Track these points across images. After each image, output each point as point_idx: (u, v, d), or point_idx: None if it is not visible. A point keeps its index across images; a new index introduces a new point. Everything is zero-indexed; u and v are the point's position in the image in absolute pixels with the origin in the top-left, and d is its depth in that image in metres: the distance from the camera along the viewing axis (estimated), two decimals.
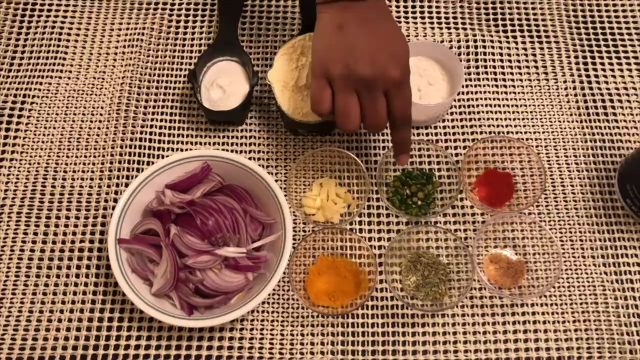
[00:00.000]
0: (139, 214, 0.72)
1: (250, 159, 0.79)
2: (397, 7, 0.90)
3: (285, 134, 0.81)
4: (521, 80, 0.86)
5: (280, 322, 0.71)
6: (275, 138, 0.81)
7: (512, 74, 0.86)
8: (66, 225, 0.76)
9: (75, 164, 0.79)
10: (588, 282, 0.73)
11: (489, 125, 0.82)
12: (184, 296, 0.68)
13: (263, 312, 0.72)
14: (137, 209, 0.72)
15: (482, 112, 0.83)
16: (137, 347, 0.70)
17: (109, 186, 0.78)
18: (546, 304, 0.72)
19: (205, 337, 0.71)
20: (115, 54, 0.86)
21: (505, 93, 0.84)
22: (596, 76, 0.86)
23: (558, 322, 0.71)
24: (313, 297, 0.71)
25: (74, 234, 0.75)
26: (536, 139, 0.82)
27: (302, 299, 0.70)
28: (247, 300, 0.66)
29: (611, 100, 0.84)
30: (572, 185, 0.78)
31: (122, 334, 0.71)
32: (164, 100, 0.83)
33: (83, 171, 0.79)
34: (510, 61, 0.87)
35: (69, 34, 0.87)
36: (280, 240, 0.69)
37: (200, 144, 0.81)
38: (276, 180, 0.77)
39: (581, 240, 0.76)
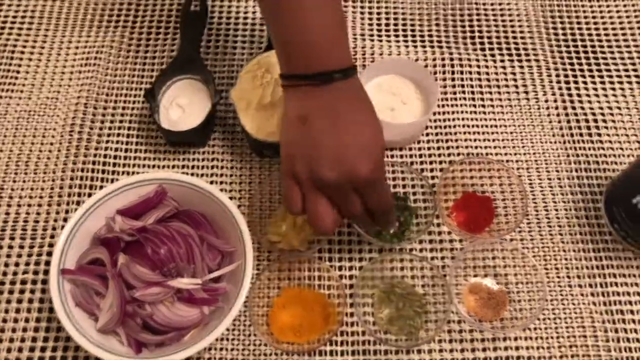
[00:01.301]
0: (87, 242, 0.66)
1: (212, 182, 0.73)
2: (370, 23, 0.85)
3: (251, 156, 0.75)
4: (500, 100, 0.81)
5: (240, 358, 0.64)
6: (240, 160, 0.75)
7: (490, 93, 0.81)
8: (8, 256, 0.69)
9: (22, 189, 0.73)
10: (575, 313, 0.67)
11: (466, 147, 0.77)
12: (132, 332, 0.61)
13: (221, 349, 0.65)
14: (85, 237, 0.65)
15: (460, 132, 0.77)
16: None
17: (57, 212, 0.71)
18: (530, 338, 0.66)
19: None
20: (72, 72, 0.81)
21: (484, 113, 0.80)
22: (579, 95, 0.81)
23: (544, 357, 0.65)
24: (277, 333, 0.64)
25: (17, 264, 0.68)
26: (517, 161, 0.76)
27: (265, 335, 0.63)
28: (203, 336, 0.59)
29: (595, 120, 0.79)
30: (556, 210, 0.73)
31: None
32: (120, 122, 0.77)
33: (30, 197, 0.72)
34: (488, 80, 0.82)
35: (22, 52, 0.82)
36: (240, 270, 0.62)
37: (159, 167, 0.75)
38: (239, 206, 0.71)
39: (567, 268, 0.70)
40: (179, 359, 0.59)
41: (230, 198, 0.71)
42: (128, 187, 0.66)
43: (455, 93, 0.80)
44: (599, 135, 0.78)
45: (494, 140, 0.78)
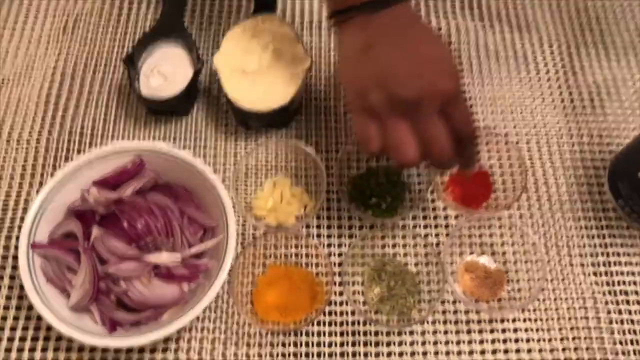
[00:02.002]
0: (60, 215, 0.61)
1: (194, 155, 0.69)
2: None
3: (236, 127, 0.71)
4: (499, 71, 0.77)
5: (222, 341, 0.61)
6: (224, 132, 0.71)
7: (489, 64, 0.77)
8: None
9: None
10: (577, 293, 0.64)
11: None
12: (106, 310, 0.57)
13: (202, 329, 0.61)
14: (59, 210, 0.61)
15: None
16: None
17: (31, 185, 0.67)
18: (529, 319, 0.62)
19: (134, 358, 0.60)
20: (48, 41, 0.76)
21: (482, 85, 0.75)
22: (581, 67, 0.77)
23: (543, 339, 0.61)
24: (261, 312, 0.61)
25: None
26: (516, 134, 0.72)
27: (248, 314, 0.59)
28: (181, 315, 0.55)
29: (598, 93, 0.75)
30: (558, 185, 0.69)
31: (34, 356, 0.59)
32: (99, 91, 0.73)
33: (3, 168, 0.68)
34: (487, 50, 0.78)
35: None
36: (222, 246, 0.58)
37: (139, 137, 0.71)
38: (224, 180, 0.67)
39: (568, 246, 0.66)
40: (156, 338, 0.55)
41: (214, 171, 0.67)
42: (104, 157, 0.62)
43: None
44: (603, 107, 0.74)
45: (492, 112, 0.74)
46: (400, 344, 0.61)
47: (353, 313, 0.62)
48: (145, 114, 0.72)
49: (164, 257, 0.58)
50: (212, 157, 0.69)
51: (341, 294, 0.63)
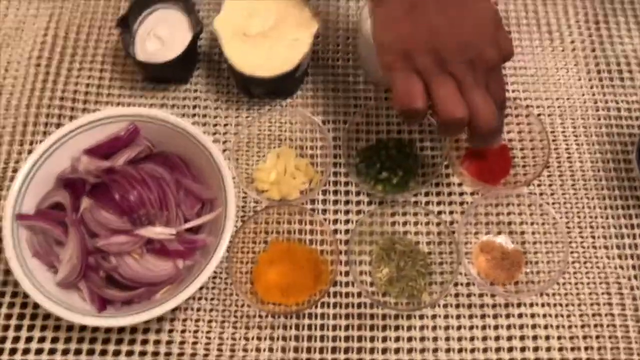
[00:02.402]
0: (49, 185, 0.58)
1: (193, 124, 0.65)
2: None
3: (238, 95, 0.67)
4: (520, 40, 0.72)
5: (219, 322, 0.57)
6: (226, 100, 0.67)
7: (510, 32, 0.72)
8: None
9: None
10: (600, 277, 0.60)
11: None
12: (95, 287, 0.54)
13: (198, 310, 0.58)
14: (48, 179, 0.58)
15: None
16: (39, 351, 0.56)
17: (19, 153, 0.64)
18: (548, 304, 0.58)
19: (126, 339, 0.57)
20: (39, 0, 0.72)
21: None
22: (609, 36, 0.72)
23: (563, 326, 0.57)
24: (262, 293, 0.57)
25: None
26: (538, 107, 0.68)
27: (247, 294, 0.56)
28: (175, 294, 0.52)
29: (627, 64, 0.71)
30: (581, 161, 0.65)
31: (21, 335, 0.56)
32: (93, 55, 0.69)
33: None
34: (508, 19, 0.73)
35: None
36: (221, 220, 0.55)
37: (134, 105, 0.67)
38: (224, 150, 0.63)
39: (592, 227, 0.62)
40: (148, 318, 0.52)
41: (215, 142, 0.63)
42: (95, 124, 0.59)
43: None
44: (631, 79, 0.70)
45: (512, 84, 0.70)
46: (409, 328, 0.57)
47: (359, 295, 0.59)
48: (142, 81, 0.68)
49: (157, 231, 0.55)
50: (212, 126, 0.66)
51: (347, 274, 0.59)
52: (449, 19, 0.50)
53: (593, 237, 0.62)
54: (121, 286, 0.55)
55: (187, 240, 0.56)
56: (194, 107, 0.67)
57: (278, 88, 0.65)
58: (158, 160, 0.58)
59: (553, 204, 0.63)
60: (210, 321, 0.57)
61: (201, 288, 0.58)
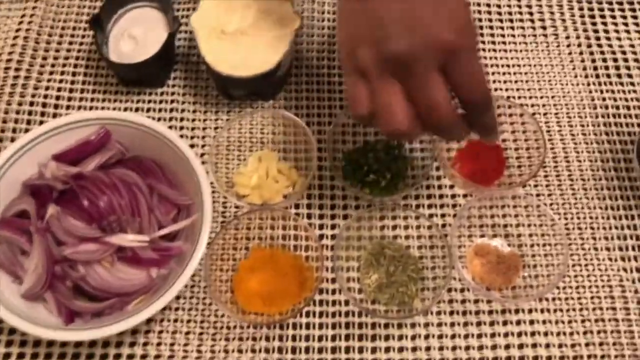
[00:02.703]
0: (15, 192, 0.55)
1: (170, 127, 0.63)
2: None
3: (217, 98, 0.65)
4: (514, 36, 0.70)
5: (197, 334, 0.54)
6: (205, 103, 0.64)
7: (502, 28, 0.70)
8: None
9: None
10: (602, 280, 0.57)
11: None
12: (63, 299, 0.51)
13: (175, 321, 0.55)
14: (13, 187, 0.55)
15: None
16: None
17: None
18: (548, 310, 0.55)
19: (98, 354, 0.54)
20: (11, 1, 0.69)
21: (494, 51, 0.69)
22: (606, 31, 0.70)
23: (563, 333, 0.54)
24: (243, 302, 0.54)
25: None
26: (533, 105, 0.65)
27: (227, 304, 0.53)
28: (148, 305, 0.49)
29: (625, 59, 0.68)
30: (580, 160, 0.62)
31: None
32: (66, 58, 0.67)
33: None
34: (500, 13, 0.71)
35: None
36: (197, 226, 0.52)
37: (108, 109, 0.64)
38: (203, 154, 0.61)
39: (592, 228, 0.59)
40: (120, 330, 0.48)
41: (192, 146, 0.61)
42: (64, 129, 0.56)
43: None
44: (629, 76, 0.68)
45: (505, 82, 0.67)
46: (400, 337, 0.54)
47: (347, 303, 0.55)
48: (117, 84, 0.65)
49: (129, 239, 0.52)
50: (190, 130, 0.63)
51: (334, 281, 0.56)
52: (400, 7, 0.44)
53: (594, 238, 0.59)
54: (91, 297, 0.52)
55: (162, 248, 0.53)
56: (171, 110, 0.64)
57: (259, 89, 0.63)
58: (130, 165, 0.56)
59: (551, 204, 0.60)
60: (187, 333, 0.54)
61: (178, 298, 0.55)
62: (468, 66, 0.44)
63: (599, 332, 0.55)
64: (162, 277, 0.53)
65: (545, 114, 0.65)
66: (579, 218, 0.60)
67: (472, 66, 0.45)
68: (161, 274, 0.53)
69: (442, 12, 0.44)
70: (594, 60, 0.68)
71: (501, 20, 0.71)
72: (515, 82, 0.67)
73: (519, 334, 0.55)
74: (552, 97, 0.66)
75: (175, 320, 0.55)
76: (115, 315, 0.51)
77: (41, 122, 0.63)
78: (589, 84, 0.67)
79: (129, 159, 0.57)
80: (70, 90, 0.65)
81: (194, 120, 0.64)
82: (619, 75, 0.68)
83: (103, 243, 0.51)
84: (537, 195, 0.61)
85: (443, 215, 0.59)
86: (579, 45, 0.69)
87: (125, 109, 0.64)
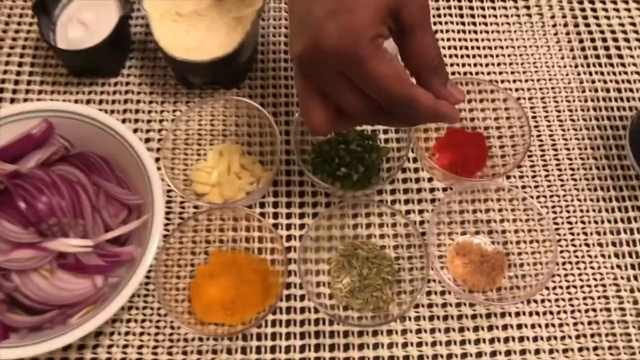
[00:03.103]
0: None
1: (124, 120, 0.57)
2: None
3: (176, 87, 0.60)
4: (496, 16, 0.65)
5: (151, 348, 0.49)
6: (162, 93, 0.59)
7: (483, 8, 0.66)
8: None
9: None
10: (595, 279, 0.52)
11: (453, 73, 0.61)
12: None
13: (127, 334, 0.50)
14: None
15: (445, 55, 0.61)
16: None
17: None
18: (537, 312, 0.51)
19: None
20: None
21: (475, 32, 0.64)
22: (594, 9, 0.66)
23: (555, 337, 0.50)
24: (201, 311, 0.49)
25: None
26: (517, 90, 0.61)
27: (183, 314, 0.48)
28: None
29: (615, 39, 0.64)
30: (568, 149, 0.58)
31: None
32: (12, 47, 0.62)
33: None
34: None
35: None
36: (148, 228, 0.47)
37: (58, 101, 0.59)
38: (159, 149, 0.55)
39: (583, 223, 0.55)
40: (60, 345, 0.44)
41: (148, 140, 0.56)
42: (3, 122, 0.50)
43: (438, 9, 0.65)
44: (620, 56, 0.63)
45: (487, 65, 0.62)
46: (375, 346, 0.49)
47: (317, 310, 0.50)
48: (67, 75, 0.60)
49: (71, 244, 0.46)
50: (146, 122, 0.58)
51: (302, 286, 0.51)
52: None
53: (585, 233, 0.54)
54: (28, 310, 0.47)
55: (109, 254, 0.48)
56: (126, 101, 0.59)
57: (220, 76, 0.58)
58: (75, 162, 0.51)
59: (537, 197, 0.56)
60: (140, 347, 0.50)
61: (130, 308, 0.50)
62: (364, 66, 0.38)
63: (592, 335, 0.51)
64: (112, 286, 0.48)
65: (530, 98, 0.60)
66: (568, 211, 0.55)
67: (371, 66, 0.38)
68: (110, 282, 0.48)
69: (334, 6, 0.38)
70: (581, 41, 0.64)
71: (483, 0, 0.66)
72: (498, 64, 0.63)
73: (506, 340, 0.50)
74: (538, 80, 0.62)
75: (127, 333, 0.50)
76: (58, 329, 0.46)
77: None
78: (576, 66, 0.62)
79: (74, 155, 0.52)
80: (16, 82, 0.60)
81: (150, 112, 0.59)
82: (609, 56, 0.63)
83: (41, 249, 0.46)
84: (523, 187, 0.56)
85: (421, 212, 0.55)
86: (565, 25, 0.65)
87: (76, 101, 0.59)
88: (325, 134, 0.44)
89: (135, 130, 0.58)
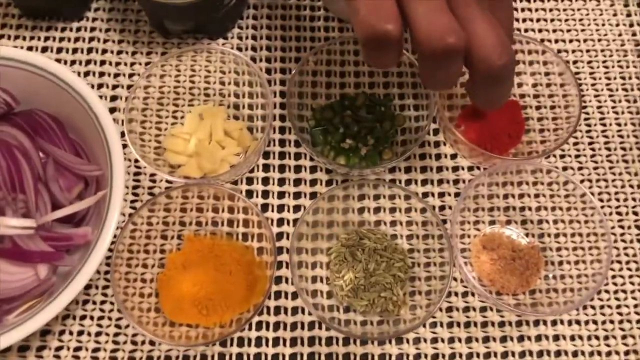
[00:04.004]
0: None
1: (88, 74, 0.48)
2: None
3: (151, 35, 0.51)
4: None
5: (109, 352, 0.41)
6: (134, 42, 0.50)
7: None
8: None
9: None
10: None
11: None
12: None
13: (80, 334, 0.42)
14: None
15: None
16: None
17: None
18: (577, 321, 0.43)
19: None
20: None
21: None
22: None
23: (599, 353, 0.43)
24: (171, 309, 0.41)
25: None
26: (560, 51, 0.52)
27: (150, 312, 0.39)
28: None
29: None
30: (619, 124, 0.51)
31: None
32: None
33: None
34: None
35: None
36: (104, 206, 0.38)
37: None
38: (132, 109, 0.46)
39: (635, 214, 0.48)
40: None
41: (116, 97, 0.47)
42: None
43: None
44: None
45: (524, 20, 0.53)
46: (381, 358, 0.41)
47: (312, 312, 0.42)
48: (20, 17, 0.51)
49: (8, 224, 0.38)
50: (113, 77, 0.49)
51: (294, 281, 0.42)
52: None
53: (638, 227, 0.46)
54: None
55: (58, 237, 0.40)
56: (90, 50, 0.50)
57: (203, 21, 0.49)
58: (17, 122, 0.42)
59: (582, 182, 0.47)
60: (96, 350, 0.41)
61: (86, 302, 0.42)
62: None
63: None
64: (63, 276, 0.40)
65: (575, 62, 0.52)
66: (617, 200, 0.47)
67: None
68: (62, 272, 0.40)
69: None
70: None
71: None
72: (538, 20, 0.54)
73: (540, 355, 0.42)
74: (585, 40, 0.53)
75: (81, 333, 0.42)
76: None
77: None
78: (632, 25, 0.54)
79: (17, 113, 0.43)
80: None
81: (118, 64, 0.50)
82: None
83: None
84: (564, 168, 0.48)
85: (442, 195, 0.46)
86: None
87: (30, 49, 0.50)
88: (452, 50, 0.32)
89: (99, 87, 0.49)
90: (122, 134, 0.42)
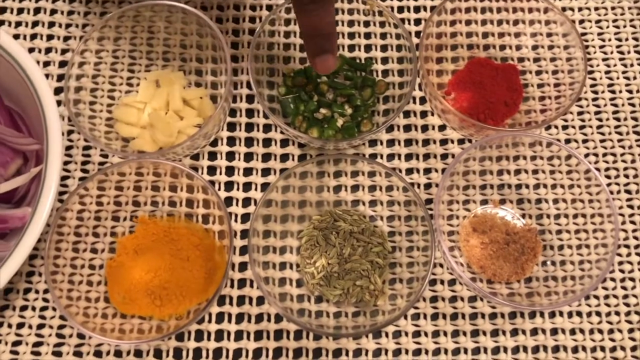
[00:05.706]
0: None
1: (17, 37, 0.45)
2: None
3: None
4: None
5: (52, 346, 0.40)
6: (86, 1, 0.47)
7: None
8: None
9: None
10: None
11: None
12: None
13: (20, 326, 0.40)
14: None
15: None
16: None
17: None
18: (579, 313, 0.41)
19: None
20: None
21: None
22: None
23: (602, 348, 0.40)
24: (119, 300, 0.39)
25: None
26: (563, 9, 0.48)
27: (98, 302, 0.37)
28: None
29: None
30: (630, 91, 0.48)
31: None
32: None
33: None
34: None
35: None
36: (40, 183, 0.35)
37: None
38: (81, 77, 0.43)
39: None
40: None
41: (49, 63, 0.44)
42: None
43: None
44: None
45: None
46: (357, 354, 0.39)
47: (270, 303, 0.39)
48: None
49: None
50: (62, 40, 0.45)
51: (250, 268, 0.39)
52: None
53: None
54: None
55: None
56: (37, 11, 0.47)
57: None
58: None
59: (586, 156, 0.44)
60: (38, 344, 0.39)
61: (27, 292, 0.39)
62: None
63: None
64: None
65: (581, 21, 0.48)
66: (627, 176, 0.44)
67: None
68: None
69: None
70: None
71: None
72: None
73: (536, 350, 0.39)
74: (595, 7, 0.49)
75: (20, 326, 0.39)
76: None
77: None
78: None
79: None
80: None
81: (69, 25, 0.47)
82: None
83: None
84: (567, 141, 0.44)
85: (428, 171, 0.43)
86: None
87: None
88: None
89: (47, 51, 0.46)
90: (71, 104, 0.39)
